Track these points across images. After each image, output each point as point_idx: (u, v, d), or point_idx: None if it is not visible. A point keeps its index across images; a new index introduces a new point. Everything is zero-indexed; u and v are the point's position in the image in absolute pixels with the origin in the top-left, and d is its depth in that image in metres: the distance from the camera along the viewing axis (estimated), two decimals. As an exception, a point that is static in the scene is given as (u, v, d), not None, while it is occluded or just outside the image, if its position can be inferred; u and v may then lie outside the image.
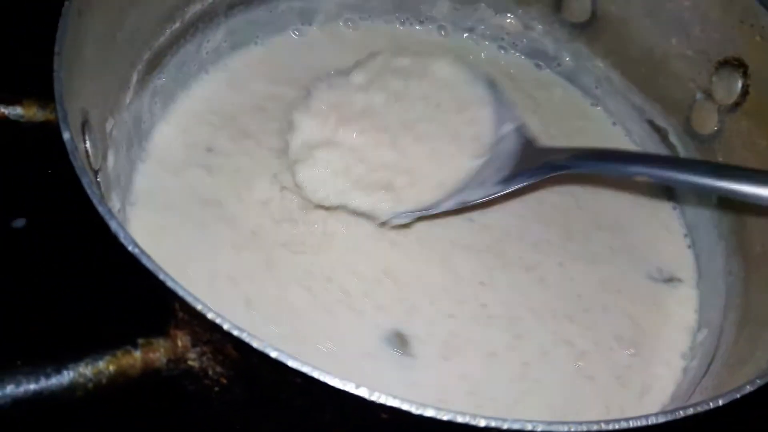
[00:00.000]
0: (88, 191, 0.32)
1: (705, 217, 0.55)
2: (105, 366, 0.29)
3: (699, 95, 0.56)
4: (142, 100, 0.52)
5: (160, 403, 0.35)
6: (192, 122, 0.54)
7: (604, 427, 0.29)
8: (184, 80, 0.56)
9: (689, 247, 0.56)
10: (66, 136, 0.34)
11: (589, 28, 0.62)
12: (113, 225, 0.31)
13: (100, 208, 0.32)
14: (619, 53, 0.61)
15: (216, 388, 0.33)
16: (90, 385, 0.28)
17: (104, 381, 0.29)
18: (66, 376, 0.28)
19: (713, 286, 0.53)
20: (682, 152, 0.58)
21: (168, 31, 0.53)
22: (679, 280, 0.54)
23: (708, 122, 0.56)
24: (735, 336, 0.47)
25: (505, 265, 0.51)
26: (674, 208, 0.58)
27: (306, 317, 0.46)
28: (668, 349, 0.50)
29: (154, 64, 0.53)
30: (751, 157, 0.52)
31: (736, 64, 0.53)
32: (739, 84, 0.52)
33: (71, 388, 0.28)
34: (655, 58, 0.58)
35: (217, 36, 0.57)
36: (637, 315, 0.51)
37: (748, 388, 0.31)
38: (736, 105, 0.53)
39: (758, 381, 0.32)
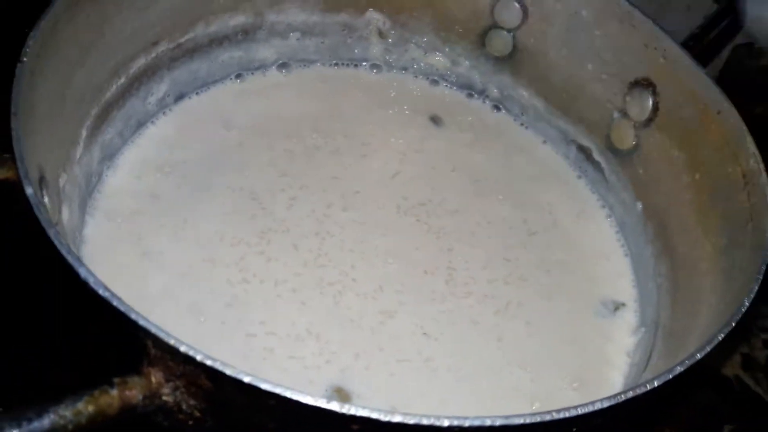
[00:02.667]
0: (56, 242, 0.34)
1: (632, 223, 0.60)
2: (84, 406, 0.30)
3: (616, 114, 0.61)
4: (92, 154, 0.53)
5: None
6: (140, 172, 0.56)
7: (555, 416, 0.31)
8: (130, 132, 0.58)
9: (626, 255, 0.60)
10: (29, 191, 0.36)
11: (511, 61, 0.66)
12: (83, 272, 0.33)
13: (68, 258, 0.33)
14: (541, 82, 0.66)
15: (190, 422, 0.35)
16: (70, 426, 0.29)
17: (84, 421, 0.30)
18: (47, 419, 0.29)
19: (646, 288, 0.57)
20: (606, 168, 0.63)
21: (114, 86, 0.55)
22: (623, 305, 0.56)
23: (626, 138, 0.60)
24: (668, 330, 0.51)
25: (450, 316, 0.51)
26: (608, 214, 0.62)
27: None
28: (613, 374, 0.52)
29: (102, 119, 0.54)
30: (667, 167, 0.57)
31: (645, 84, 0.58)
32: (650, 101, 0.58)
33: (52, 430, 0.29)
34: (574, 83, 0.63)
35: (161, 88, 0.60)
36: (584, 351, 0.53)
37: (679, 369, 0.34)
38: (650, 121, 0.58)
39: (687, 362, 0.35)
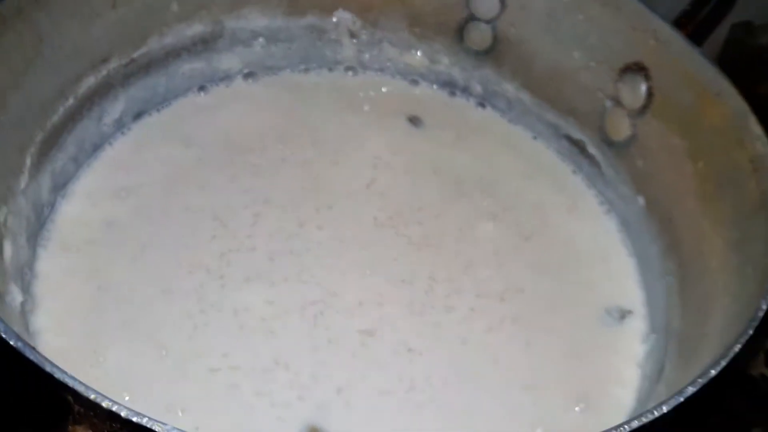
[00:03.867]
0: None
1: (634, 219, 0.55)
2: (-6, 478, 0.26)
3: (608, 103, 0.56)
4: (40, 183, 0.49)
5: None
6: (97, 198, 0.52)
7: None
8: (86, 157, 0.54)
9: (630, 255, 0.55)
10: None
11: (492, 54, 0.62)
12: (-9, 321, 0.29)
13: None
14: (526, 74, 0.61)
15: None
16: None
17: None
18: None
19: (654, 289, 0.52)
20: (602, 162, 0.58)
21: (61, 109, 0.51)
22: (630, 312, 0.51)
23: (621, 128, 0.56)
24: (681, 335, 0.46)
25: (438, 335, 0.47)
26: (608, 210, 0.58)
27: (206, 411, 0.42)
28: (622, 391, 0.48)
29: (50, 144, 0.50)
30: (667, 157, 0.52)
31: (637, 69, 0.53)
32: (644, 87, 0.53)
33: None
34: (560, 73, 0.59)
35: (116, 107, 0.56)
36: (589, 366, 0.48)
37: (691, 390, 0.30)
38: (645, 108, 0.54)
39: (700, 380, 0.30)
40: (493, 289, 0.51)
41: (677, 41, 0.50)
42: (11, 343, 0.28)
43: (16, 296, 0.43)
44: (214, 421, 0.42)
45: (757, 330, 0.35)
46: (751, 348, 0.57)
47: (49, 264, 0.48)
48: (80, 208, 0.52)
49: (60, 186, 0.52)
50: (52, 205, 0.51)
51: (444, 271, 0.51)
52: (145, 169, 0.54)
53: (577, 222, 0.57)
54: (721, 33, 0.68)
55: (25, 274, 0.46)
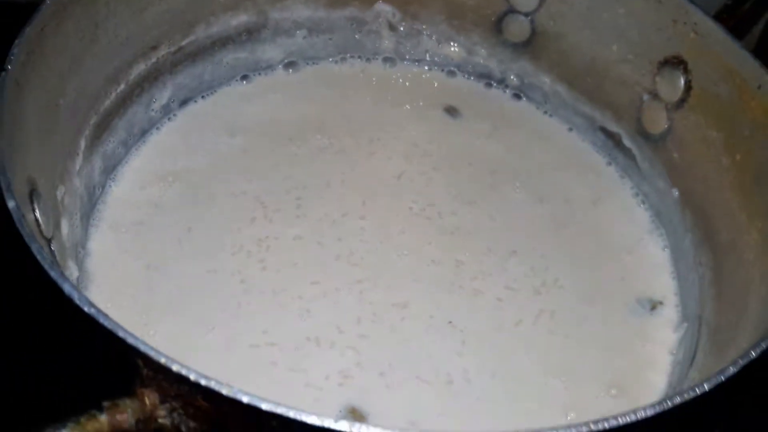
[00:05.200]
0: (38, 257, 0.31)
1: (668, 211, 0.56)
2: (69, 434, 0.27)
3: (646, 96, 0.57)
4: (93, 165, 0.51)
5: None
6: (145, 182, 0.54)
7: (593, 427, 0.28)
8: (134, 141, 0.56)
9: (663, 246, 0.56)
10: (11, 204, 0.33)
11: (530, 46, 0.63)
12: (66, 288, 0.30)
13: (51, 273, 0.31)
14: (563, 66, 0.62)
15: (192, 446, 0.32)
16: (55, 456, 0.27)
17: (70, 451, 0.27)
18: (28, 450, 0.26)
19: (687, 280, 0.53)
20: (638, 154, 0.59)
21: (113, 94, 0.53)
22: (661, 303, 0.52)
23: (658, 122, 0.56)
24: (714, 325, 0.47)
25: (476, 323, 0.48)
26: (642, 202, 0.58)
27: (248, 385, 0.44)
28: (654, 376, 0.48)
29: (102, 128, 0.52)
30: (704, 149, 0.53)
31: (676, 62, 0.54)
32: (682, 80, 0.54)
33: (35, 462, 0.27)
34: (598, 66, 0.59)
35: (164, 94, 0.57)
36: (622, 353, 0.49)
37: (732, 370, 0.31)
38: (682, 101, 0.54)
39: (740, 361, 0.31)
40: (526, 278, 0.52)
41: (718, 34, 0.51)
42: (85, 309, 0.30)
43: (73, 272, 0.45)
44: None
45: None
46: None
47: (100, 243, 0.50)
48: (129, 191, 0.54)
49: (110, 169, 0.54)
50: (103, 187, 0.53)
51: (478, 259, 0.52)
52: (190, 155, 0.56)
53: (611, 213, 0.58)
54: (758, 29, 0.68)
55: (78, 252, 0.48)
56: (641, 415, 0.28)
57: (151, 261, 0.49)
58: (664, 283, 0.54)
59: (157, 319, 0.46)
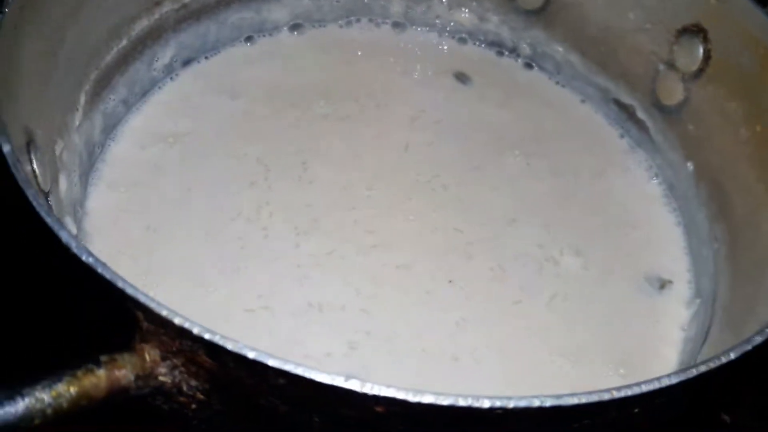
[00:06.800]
0: (34, 203, 0.30)
1: (682, 185, 0.54)
2: (65, 388, 0.26)
3: (662, 67, 0.55)
4: (93, 122, 0.49)
5: (134, 426, 0.32)
6: (145, 142, 0.52)
7: (616, 395, 0.26)
8: (135, 100, 0.54)
9: (677, 221, 0.55)
10: (6, 149, 0.32)
11: (544, 14, 0.61)
12: (64, 236, 0.29)
13: (48, 220, 0.29)
14: (577, 35, 0.60)
15: (193, 405, 0.31)
16: (49, 410, 0.26)
17: (65, 405, 0.26)
18: (21, 403, 0.25)
19: (700, 255, 0.52)
20: (652, 127, 0.57)
21: (115, 49, 0.51)
22: (670, 282, 0.50)
23: (674, 93, 0.55)
24: (729, 300, 0.46)
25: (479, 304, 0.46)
26: (655, 175, 0.57)
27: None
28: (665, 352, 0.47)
29: (103, 84, 0.50)
30: (721, 121, 0.51)
31: (696, 30, 0.52)
32: (701, 49, 0.52)
33: (27, 415, 0.25)
34: (613, 35, 0.58)
35: (166, 52, 0.56)
36: (630, 331, 0.47)
37: (758, 339, 0.29)
38: (700, 71, 0.52)
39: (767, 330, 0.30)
40: (532, 250, 0.50)
41: (740, 1, 0.49)
42: (83, 258, 0.28)
43: (71, 228, 0.43)
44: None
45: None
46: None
47: (99, 202, 0.49)
48: (129, 150, 0.52)
49: (110, 127, 0.52)
50: (103, 146, 0.51)
51: (482, 229, 0.50)
52: (192, 117, 0.54)
53: (623, 187, 0.56)
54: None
55: (77, 211, 0.47)
56: (665, 382, 0.27)
57: (150, 222, 0.48)
58: (676, 259, 0.53)
59: (157, 281, 0.45)
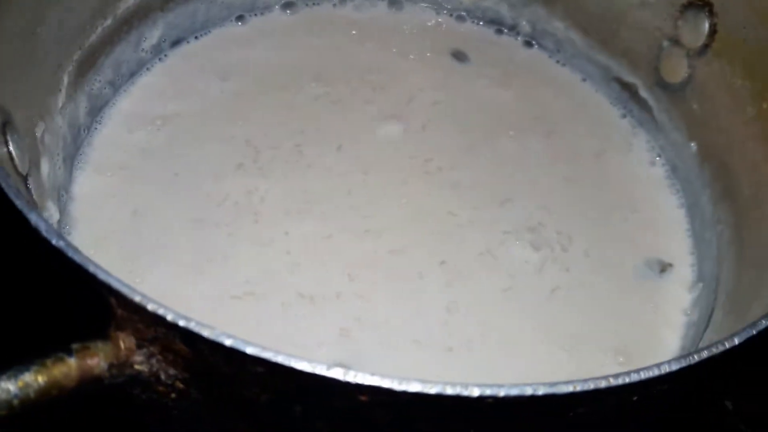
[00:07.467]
0: (3, 184, 0.28)
1: (685, 165, 0.53)
2: (33, 378, 0.25)
3: (665, 43, 0.54)
4: (77, 104, 0.48)
5: (109, 417, 0.31)
6: (133, 125, 0.51)
7: (613, 382, 0.25)
8: (122, 81, 0.53)
9: (680, 203, 0.53)
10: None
11: (544, -10, 0.59)
12: (33, 218, 0.28)
13: (17, 202, 0.28)
14: (578, 12, 0.58)
15: (173, 395, 0.29)
16: (15, 401, 0.24)
17: (33, 395, 0.25)
18: (-15, 393, 0.24)
19: (703, 238, 0.50)
20: (654, 106, 0.55)
21: (99, 29, 0.49)
22: (670, 265, 0.49)
23: (678, 70, 0.53)
24: (733, 284, 0.44)
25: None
26: (657, 156, 0.55)
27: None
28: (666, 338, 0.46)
29: (87, 65, 0.49)
30: (727, 99, 0.50)
31: (701, 4, 0.50)
32: (706, 24, 0.50)
33: (-6, 406, 0.24)
34: (615, 11, 0.56)
35: (154, 32, 0.54)
36: (630, 318, 0.46)
37: (764, 323, 0.28)
38: (706, 47, 0.51)
39: (773, 314, 0.29)
40: (528, 233, 0.49)
41: (747, -27, 0.47)
42: (53, 242, 0.27)
43: (53, 213, 0.42)
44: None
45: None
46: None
47: (85, 186, 0.47)
48: (116, 134, 0.51)
49: (97, 110, 0.51)
50: (89, 129, 0.50)
51: (479, 210, 0.49)
52: (180, 99, 0.53)
53: (624, 168, 0.55)
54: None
55: (62, 196, 0.45)
56: (665, 369, 0.26)
57: (137, 207, 0.47)
58: (678, 242, 0.51)
59: (144, 267, 0.44)
